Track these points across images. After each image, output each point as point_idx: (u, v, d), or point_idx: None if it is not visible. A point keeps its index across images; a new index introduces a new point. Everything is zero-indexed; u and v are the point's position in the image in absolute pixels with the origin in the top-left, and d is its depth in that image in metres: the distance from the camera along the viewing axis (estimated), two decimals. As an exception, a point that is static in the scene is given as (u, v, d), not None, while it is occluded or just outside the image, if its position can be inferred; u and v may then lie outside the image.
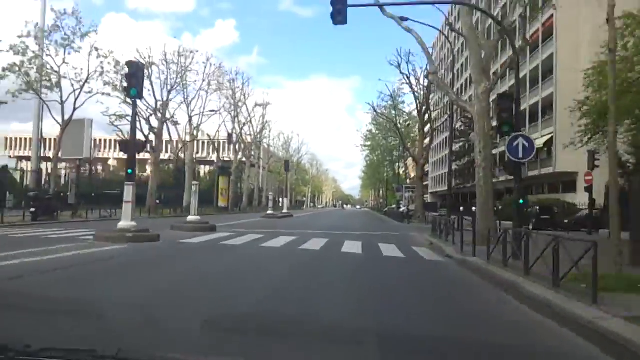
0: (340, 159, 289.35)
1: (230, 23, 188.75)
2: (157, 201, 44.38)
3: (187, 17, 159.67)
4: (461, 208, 29.49)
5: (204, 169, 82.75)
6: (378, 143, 52.68)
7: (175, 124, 37.71)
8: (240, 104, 55.69)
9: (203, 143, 70.80)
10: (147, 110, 35.62)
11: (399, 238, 18.67)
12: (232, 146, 58.53)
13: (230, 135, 41.45)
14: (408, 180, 64.02)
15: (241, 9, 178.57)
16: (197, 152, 74.24)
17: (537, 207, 28.85)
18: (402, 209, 36.40)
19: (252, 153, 63.82)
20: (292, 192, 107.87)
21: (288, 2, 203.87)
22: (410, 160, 62.69)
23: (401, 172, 56.43)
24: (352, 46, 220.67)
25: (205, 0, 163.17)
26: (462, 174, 49.76)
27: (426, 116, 34.98)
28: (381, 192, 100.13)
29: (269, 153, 73.98)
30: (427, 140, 37.85)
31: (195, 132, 43.29)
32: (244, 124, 56.72)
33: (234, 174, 56.87)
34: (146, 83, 35.86)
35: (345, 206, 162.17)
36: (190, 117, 42.49)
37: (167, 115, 37.18)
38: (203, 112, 43.40)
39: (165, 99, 36.75)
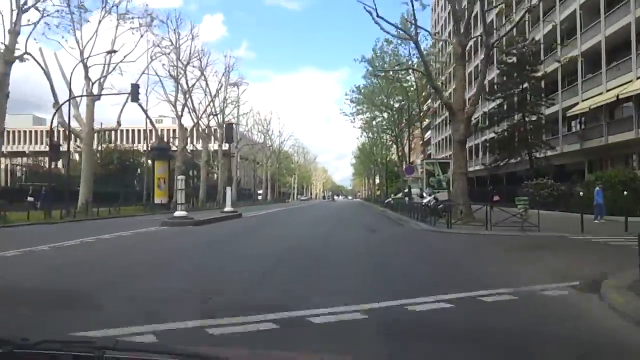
0: (331, 150, 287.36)
1: (218, 18, 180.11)
2: (30, 198, 28.83)
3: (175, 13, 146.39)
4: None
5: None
6: (382, 102, 36.68)
7: (20, 59, 21.55)
8: (184, 62, 40.59)
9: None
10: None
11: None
12: (178, 124, 43.16)
13: (134, 87, 24.40)
14: (404, 164, 48.52)
15: (228, 2, 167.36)
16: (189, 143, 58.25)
17: None
18: (428, 199, 21.09)
19: (208, 130, 48.63)
20: (272, 182, 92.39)
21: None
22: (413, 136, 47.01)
23: (412, 145, 41.03)
24: (340, 38, 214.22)
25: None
26: (502, 146, 34.44)
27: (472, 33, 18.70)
28: (377, 179, 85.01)
29: (237, 133, 58.38)
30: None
31: (94, 88, 27.65)
32: (192, 87, 41.53)
33: (180, 159, 41.49)
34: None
35: (335, 197, 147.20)
36: (85, 63, 26.88)
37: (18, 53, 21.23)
38: (111, 60, 27.83)
39: (14, 22, 20.89)
